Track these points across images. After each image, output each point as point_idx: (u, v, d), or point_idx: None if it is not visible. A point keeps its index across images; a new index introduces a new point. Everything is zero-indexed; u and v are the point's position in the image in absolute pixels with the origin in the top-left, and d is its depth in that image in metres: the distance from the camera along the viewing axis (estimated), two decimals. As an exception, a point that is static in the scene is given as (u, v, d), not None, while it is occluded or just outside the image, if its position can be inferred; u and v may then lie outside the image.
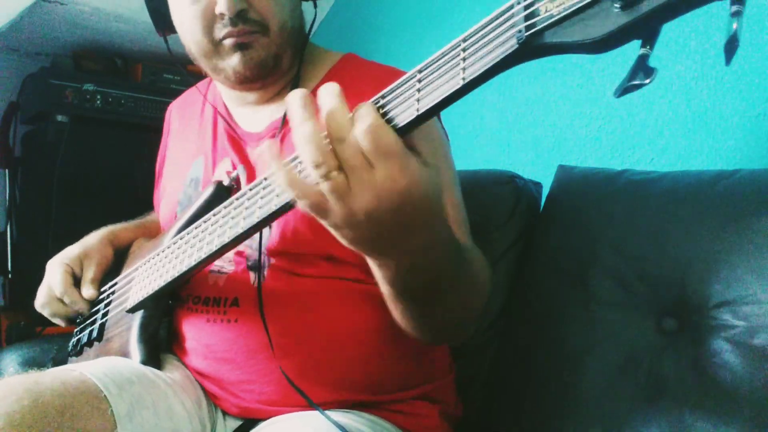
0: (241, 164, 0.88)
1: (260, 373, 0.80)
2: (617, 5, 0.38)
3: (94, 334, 0.91)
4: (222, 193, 0.83)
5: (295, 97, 0.51)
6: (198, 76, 1.00)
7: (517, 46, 0.42)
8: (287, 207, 0.59)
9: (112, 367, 0.76)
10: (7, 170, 1.89)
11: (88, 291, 0.93)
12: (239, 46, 0.82)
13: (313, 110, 0.51)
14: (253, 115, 0.93)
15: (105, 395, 0.69)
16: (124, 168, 1.73)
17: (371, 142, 0.48)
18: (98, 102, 1.78)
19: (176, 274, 0.77)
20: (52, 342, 1.14)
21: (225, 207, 0.70)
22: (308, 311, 0.80)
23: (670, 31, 1.13)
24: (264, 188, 0.63)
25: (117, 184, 1.74)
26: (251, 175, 0.86)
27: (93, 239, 1.00)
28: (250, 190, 0.65)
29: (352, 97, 0.52)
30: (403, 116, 0.49)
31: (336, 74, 0.90)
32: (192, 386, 0.84)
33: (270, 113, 0.90)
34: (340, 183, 0.49)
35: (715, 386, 0.76)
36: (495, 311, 1.06)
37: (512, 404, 0.95)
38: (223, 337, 0.82)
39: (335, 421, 0.71)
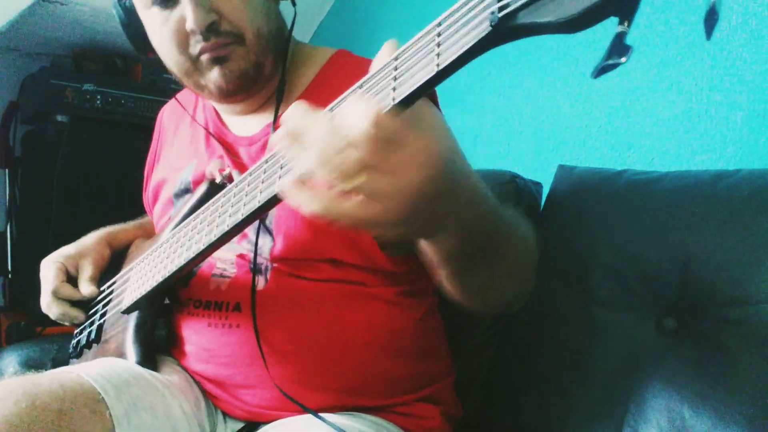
0: (235, 169, 0.87)
1: (261, 378, 0.79)
2: None
3: (93, 335, 0.90)
4: (214, 191, 0.83)
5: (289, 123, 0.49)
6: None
7: (490, 29, 0.41)
8: (273, 201, 0.58)
9: (110, 368, 0.76)
10: (7, 170, 1.90)
11: (87, 288, 0.92)
12: (216, 60, 0.80)
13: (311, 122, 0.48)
14: (243, 122, 0.92)
15: (102, 397, 0.68)
16: (124, 168, 1.72)
17: (379, 130, 0.45)
18: (98, 102, 1.78)
19: (167, 274, 0.76)
20: (52, 342, 1.14)
21: (213, 204, 0.70)
22: (311, 315, 0.79)
23: (670, 31, 1.12)
24: (249, 184, 0.62)
25: (117, 184, 1.74)
26: None
27: (89, 239, 0.99)
28: (236, 186, 0.65)
29: None
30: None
31: (328, 71, 0.89)
32: (190, 389, 0.84)
33: (261, 120, 0.89)
34: (374, 184, 0.46)
35: (715, 386, 0.76)
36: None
37: (512, 404, 0.95)
38: (224, 342, 0.81)
39: (337, 426, 0.70)
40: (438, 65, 0.44)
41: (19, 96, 1.88)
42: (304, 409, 0.74)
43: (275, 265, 0.81)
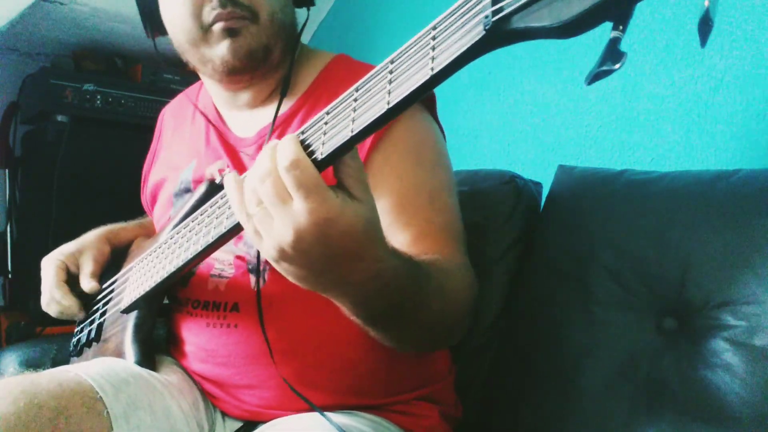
0: (234, 169, 0.86)
1: (260, 378, 0.80)
2: None
3: (92, 334, 0.90)
4: (214, 191, 0.83)
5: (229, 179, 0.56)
6: (197, 76, 0.99)
7: (484, 33, 0.41)
8: None
9: (108, 367, 0.76)
10: (7, 170, 1.89)
11: (89, 284, 0.91)
12: (228, 32, 0.80)
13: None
14: (244, 118, 0.91)
15: (101, 396, 0.68)
16: (124, 168, 1.72)
17: (289, 177, 0.49)
18: (98, 102, 1.77)
19: (165, 275, 0.76)
20: (52, 342, 1.14)
21: (210, 206, 0.70)
22: (309, 315, 0.79)
23: (670, 32, 1.12)
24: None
25: (117, 184, 1.73)
26: None
27: (90, 236, 0.99)
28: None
29: None
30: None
31: (328, 75, 0.89)
32: (189, 388, 0.84)
33: (261, 117, 0.89)
34: (261, 217, 0.52)
35: (715, 386, 0.76)
36: (495, 311, 1.06)
37: (511, 405, 0.95)
38: (223, 342, 0.82)
39: (337, 424, 0.70)
40: (432, 69, 0.44)
41: (19, 96, 1.88)
42: (311, 406, 0.74)
43: None
